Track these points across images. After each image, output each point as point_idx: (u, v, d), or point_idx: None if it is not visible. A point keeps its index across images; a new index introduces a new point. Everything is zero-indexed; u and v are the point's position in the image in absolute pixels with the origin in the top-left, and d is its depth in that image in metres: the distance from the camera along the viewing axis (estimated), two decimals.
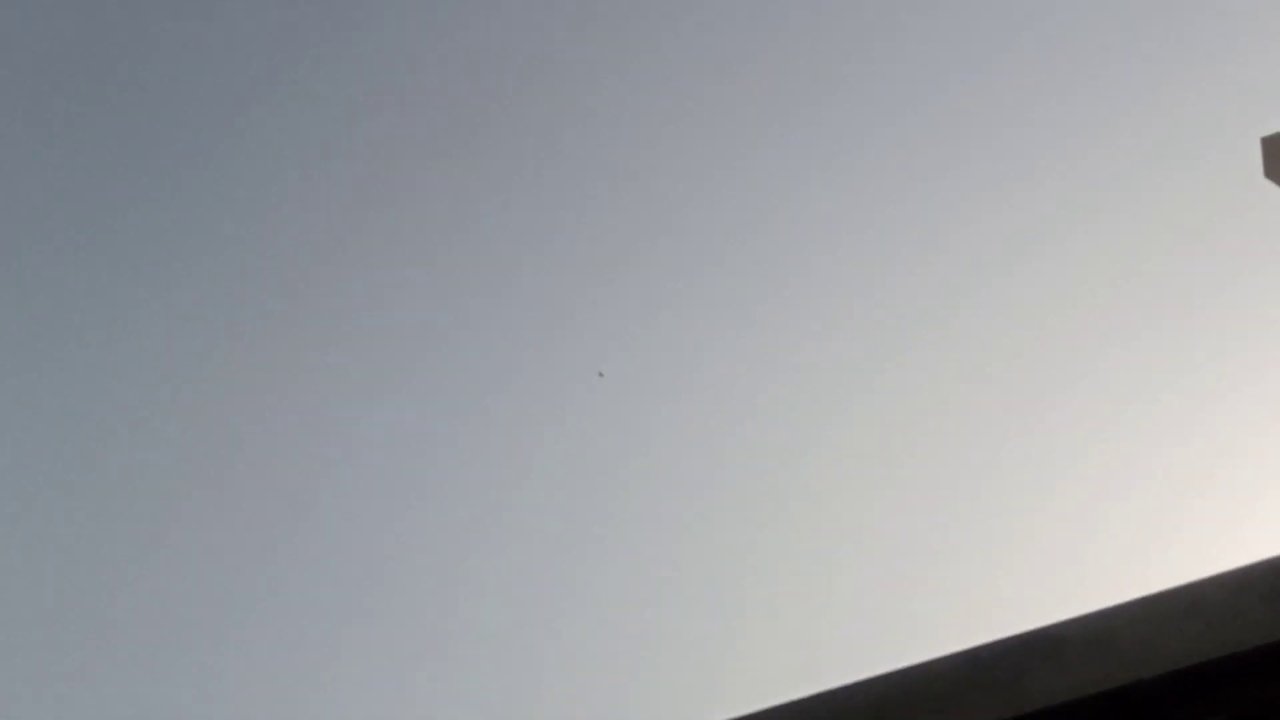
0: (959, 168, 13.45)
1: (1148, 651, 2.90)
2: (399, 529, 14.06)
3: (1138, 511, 13.42)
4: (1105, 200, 13.21)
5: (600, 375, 12.79)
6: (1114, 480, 13.37)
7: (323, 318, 14.05)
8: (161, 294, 13.85)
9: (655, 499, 14.10)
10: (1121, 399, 13.37)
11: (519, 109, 13.80)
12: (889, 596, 13.50)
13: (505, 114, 13.81)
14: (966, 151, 13.43)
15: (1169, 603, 2.96)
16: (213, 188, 13.87)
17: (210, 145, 13.84)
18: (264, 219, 14.02)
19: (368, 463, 14.08)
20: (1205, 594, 2.94)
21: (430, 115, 14.02)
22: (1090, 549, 13.15)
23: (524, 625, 13.73)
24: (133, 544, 13.84)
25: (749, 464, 13.94)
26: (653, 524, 14.11)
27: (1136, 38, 13.15)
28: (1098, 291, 13.38)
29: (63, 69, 13.63)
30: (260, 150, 13.97)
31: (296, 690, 13.57)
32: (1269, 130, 6.53)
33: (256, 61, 13.81)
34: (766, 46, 13.49)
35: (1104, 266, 13.32)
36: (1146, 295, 13.30)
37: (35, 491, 13.72)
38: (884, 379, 13.80)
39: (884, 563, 13.65)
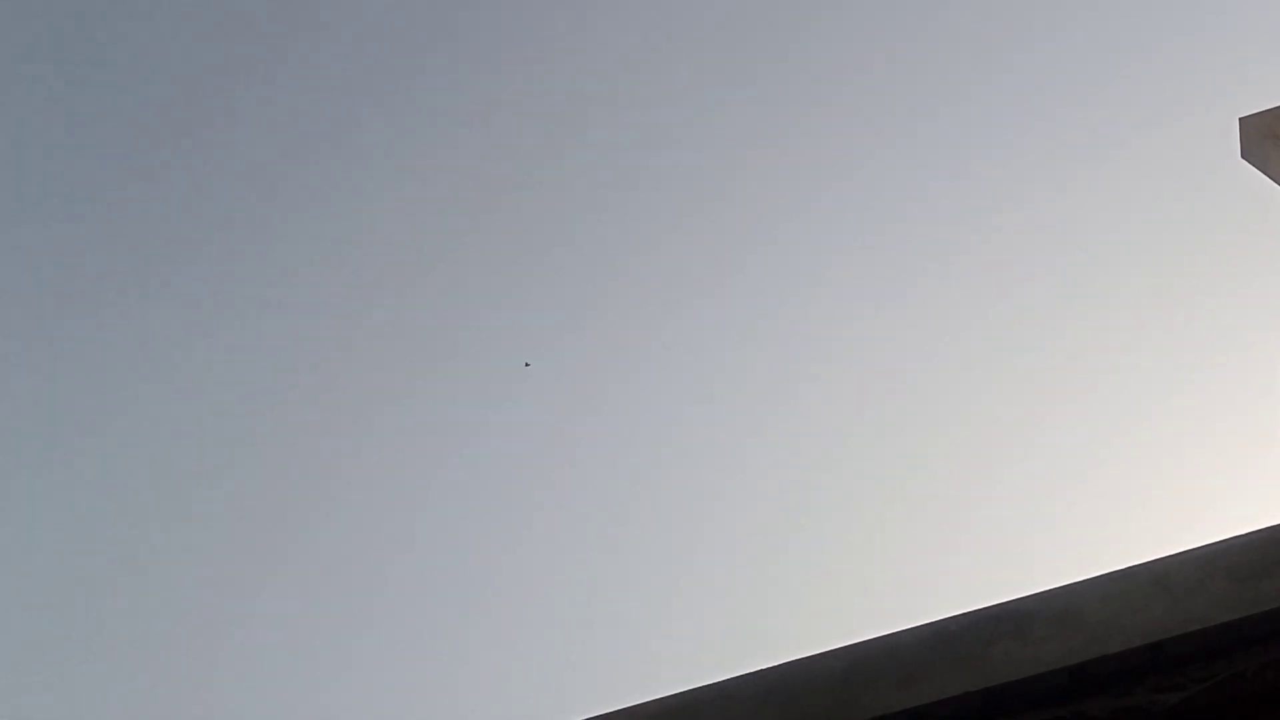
0: (927, 163, 13.45)
1: (1114, 626, 2.91)
2: (390, 527, 14.05)
3: (1106, 488, 13.46)
4: (1078, 182, 13.22)
5: (526, 365, 12.83)
6: (1083, 457, 13.41)
7: (322, 320, 14.01)
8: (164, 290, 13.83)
9: (622, 473, 14.10)
10: (1090, 376, 13.40)
11: (522, 110, 13.78)
12: (856, 569, 13.53)
13: (507, 117, 13.80)
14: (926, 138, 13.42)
15: (1136, 578, 2.97)
16: (213, 188, 13.82)
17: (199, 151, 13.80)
18: (266, 218, 13.99)
19: (358, 464, 14.06)
20: (1172, 570, 2.95)
21: (440, 120, 13.99)
22: (1058, 525, 13.19)
23: (481, 612, 13.74)
24: (135, 545, 13.81)
25: (716, 436, 13.95)
26: (624, 496, 14.11)
27: (1112, 17, 13.15)
28: (1065, 271, 13.40)
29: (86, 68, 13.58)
30: (258, 145, 13.93)
31: (275, 690, 13.56)
32: (1246, 111, 6.53)
33: (256, 63, 13.77)
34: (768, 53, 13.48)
35: (1074, 246, 13.34)
36: (1117, 275, 13.32)
37: (39, 492, 13.69)
38: (848, 358, 13.81)
39: (851, 535, 13.69)
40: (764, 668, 3.19)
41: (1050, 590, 3.04)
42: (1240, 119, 6.50)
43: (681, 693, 3.24)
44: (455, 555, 13.98)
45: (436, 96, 14.06)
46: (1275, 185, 6.46)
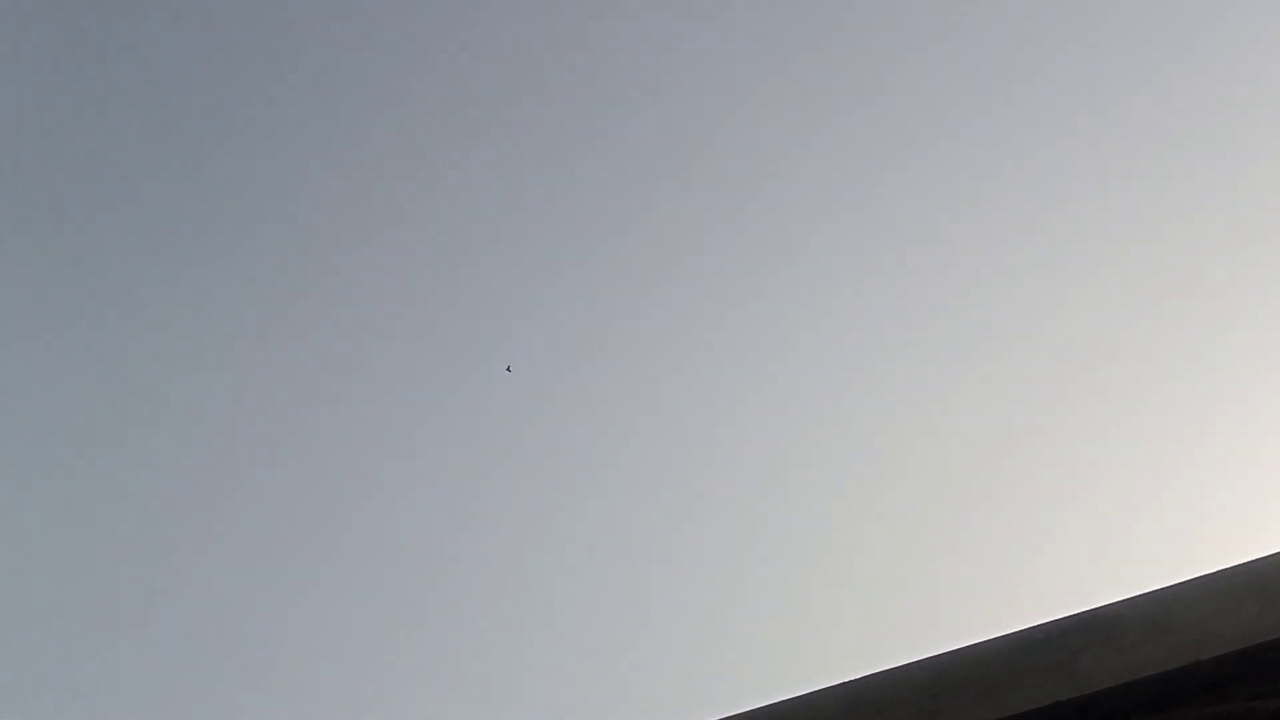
0: (964, 157, 13.36)
1: (1205, 632, 2.86)
2: (398, 528, 14.04)
3: (1196, 491, 13.33)
4: (1139, 173, 13.10)
5: (508, 370, 12.84)
6: (1172, 459, 13.28)
7: (319, 318, 14.03)
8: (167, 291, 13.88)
9: (714, 478, 14.07)
10: (1177, 373, 13.27)
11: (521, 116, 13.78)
12: (944, 579, 13.45)
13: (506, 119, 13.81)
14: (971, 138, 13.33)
15: (1227, 583, 2.92)
16: (216, 188, 13.88)
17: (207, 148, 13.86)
18: (266, 220, 14.02)
19: (363, 465, 14.06)
20: (1264, 574, 2.89)
21: (439, 116, 14.00)
22: (1147, 529, 13.06)
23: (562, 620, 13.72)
24: (134, 544, 13.85)
25: (800, 444, 13.90)
26: (709, 506, 14.08)
27: (1157, 8, 13.03)
28: (1142, 261, 13.27)
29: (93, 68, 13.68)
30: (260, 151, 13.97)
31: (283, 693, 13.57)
32: None
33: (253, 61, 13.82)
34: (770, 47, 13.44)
35: (1151, 232, 13.21)
36: (1194, 264, 13.18)
37: (39, 491, 13.74)
38: (933, 361, 13.74)
39: (933, 545, 13.61)
40: (848, 680, 3.15)
41: (1139, 596, 2.98)
42: None
43: (766, 706, 3.20)
44: (522, 574, 13.98)
45: (436, 99, 14.08)
46: None
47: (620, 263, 13.81)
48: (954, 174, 13.36)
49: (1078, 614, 3.01)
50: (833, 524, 13.75)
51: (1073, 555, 13.22)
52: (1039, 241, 13.44)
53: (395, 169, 13.91)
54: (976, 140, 13.30)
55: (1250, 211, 12.60)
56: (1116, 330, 13.38)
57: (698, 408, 13.72)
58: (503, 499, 13.93)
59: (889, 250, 13.52)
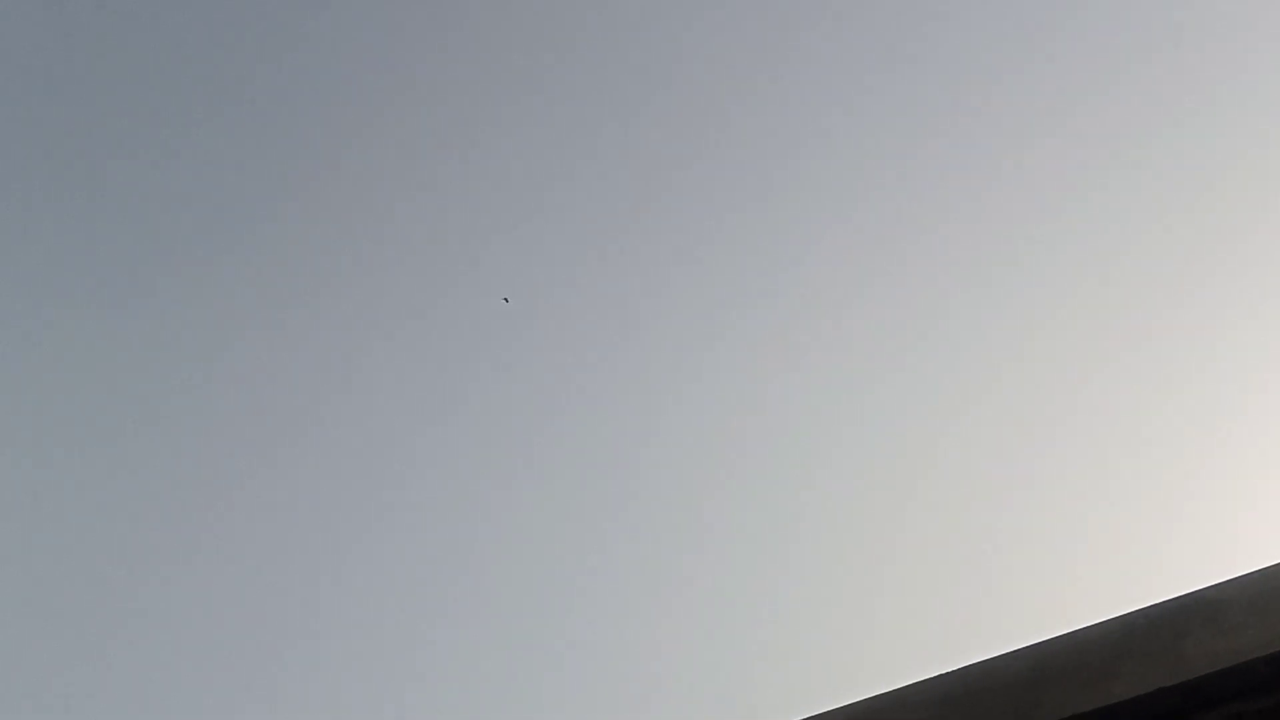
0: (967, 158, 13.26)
1: None
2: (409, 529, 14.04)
3: None
4: (1168, 164, 12.98)
5: (506, 300, 12.75)
6: (1270, 436, 13.14)
7: (311, 312, 14.03)
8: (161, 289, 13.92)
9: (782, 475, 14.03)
10: (1264, 353, 13.14)
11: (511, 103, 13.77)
12: (1039, 566, 13.35)
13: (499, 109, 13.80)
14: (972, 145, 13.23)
15: None
16: (217, 188, 13.93)
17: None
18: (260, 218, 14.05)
19: (366, 463, 14.06)
20: None
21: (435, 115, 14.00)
22: (1249, 507, 12.92)
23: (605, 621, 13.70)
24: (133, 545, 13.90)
25: (886, 428, 13.85)
26: (782, 495, 14.05)
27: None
28: (1231, 220, 13.15)
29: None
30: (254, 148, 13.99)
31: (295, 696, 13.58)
32: None
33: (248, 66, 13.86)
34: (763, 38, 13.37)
35: (1224, 186, 13.08)
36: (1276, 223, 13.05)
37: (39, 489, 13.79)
38: (1026, 335, 13.65)
39: (1033, 531, 13.51)
40: (943, 672, 3.09)
41: (1241, 576, 2.91)
42: None
43: (858, 701, 3.14)
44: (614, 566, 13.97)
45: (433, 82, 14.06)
46: None
47: (636, 263, 13.79)
48: (966, 172, 13.28)
49: (1178, 597, 2.94)
50: (926, 512, 13.68)
51: (1171, 538, 13.08)
52: (1119, 220, 13.33)
53: (402, 160, 13.94)
54: (976, 139, 13.23)
55: None
56: (1210, 306, 13.24)
57: (742, 399, 13.69)
58: (518, 501, 13.94)
59: (910, 245, 13.45)
